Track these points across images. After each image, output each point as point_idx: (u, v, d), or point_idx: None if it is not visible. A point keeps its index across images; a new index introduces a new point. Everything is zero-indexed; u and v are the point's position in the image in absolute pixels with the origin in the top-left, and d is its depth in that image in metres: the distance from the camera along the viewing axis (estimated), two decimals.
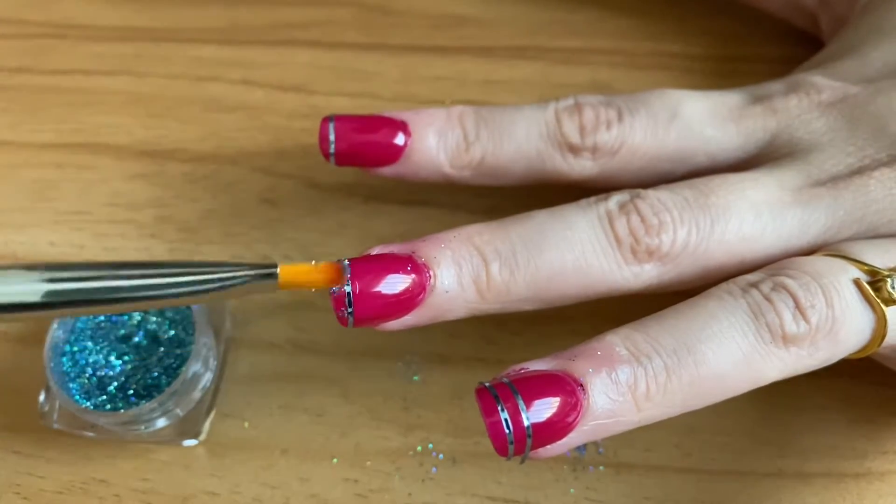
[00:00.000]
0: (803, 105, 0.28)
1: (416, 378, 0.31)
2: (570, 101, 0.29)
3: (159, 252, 0.34)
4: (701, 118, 0.28)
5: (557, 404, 0.22)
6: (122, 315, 0.30)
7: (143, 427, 0.29)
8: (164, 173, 0.36)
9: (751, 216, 0.26)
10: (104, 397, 0.28)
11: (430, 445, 0.30)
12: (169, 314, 0.30)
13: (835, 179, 0.27)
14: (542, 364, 0.23)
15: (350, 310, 0.24)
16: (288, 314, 0.32)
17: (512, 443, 0.22)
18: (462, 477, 0.29)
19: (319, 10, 0.40)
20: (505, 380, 0.22)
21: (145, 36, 0.40)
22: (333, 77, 0.38)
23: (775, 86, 0.30)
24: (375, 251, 0.25)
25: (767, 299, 0.24)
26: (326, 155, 0.29)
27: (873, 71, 0.29)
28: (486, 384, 0.22)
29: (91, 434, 0.29)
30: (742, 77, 0.37)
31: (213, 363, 0.30)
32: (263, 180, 0.35)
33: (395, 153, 0.29)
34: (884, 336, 0.24)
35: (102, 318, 0.30)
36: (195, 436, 0.30)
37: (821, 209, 0.26)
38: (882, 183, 0.26)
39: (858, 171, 0.27)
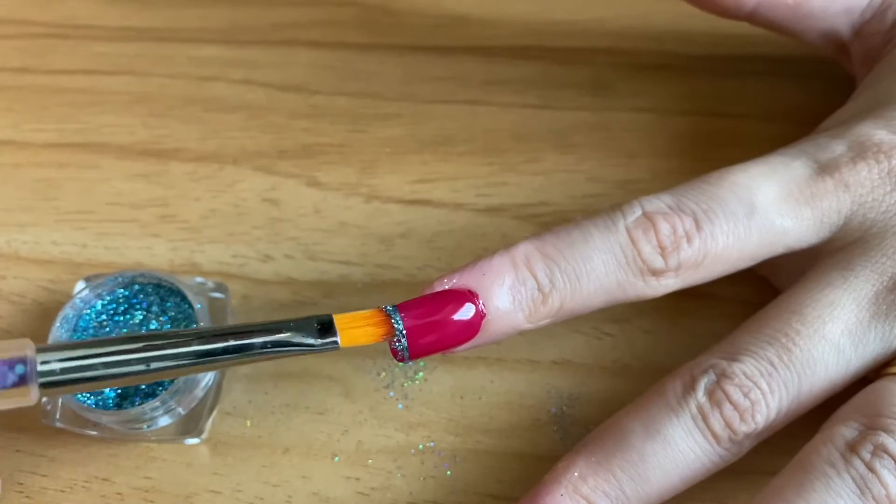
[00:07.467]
0: (874, 175, 0.27)
1: (418, 377, 0.31)
2: (638, 213, 0.26)
3: (161, 251, 0.34)
4: (778, 207, 0.27)
5: None
6: (124, 315, 0.30)
7: (145, 426, 0.29)
8: (166, 173, 0.36)
9: (834, 357, 0.26)
10: (106, 396, 0.29)
11: (432, 444, 0.30)
12: (171, 314, 0.30)
13: None
14: None
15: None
16: (290, 313, 0.32)
17: None
18: (463, 475, 0.29)
19: (321, 10, 0.40)
20: None
21: (147, 36, 0.40)
22: (335, 77, 0.38)
23: (837, 147, 0.28)
24: None
25: (871, 469, 0.23)
26: (396, 352, 0.26)
27: None
28: None
29: (94, 432, 0.29)
30: (743, 77, 0.37)
31: None
32: (265, 180, 0.35)
33: (472, 330, 0.26)
34: None
35: (105, 316, 0.30)
36: (197, 434, 0.30)
37: None
38: None
39: None
